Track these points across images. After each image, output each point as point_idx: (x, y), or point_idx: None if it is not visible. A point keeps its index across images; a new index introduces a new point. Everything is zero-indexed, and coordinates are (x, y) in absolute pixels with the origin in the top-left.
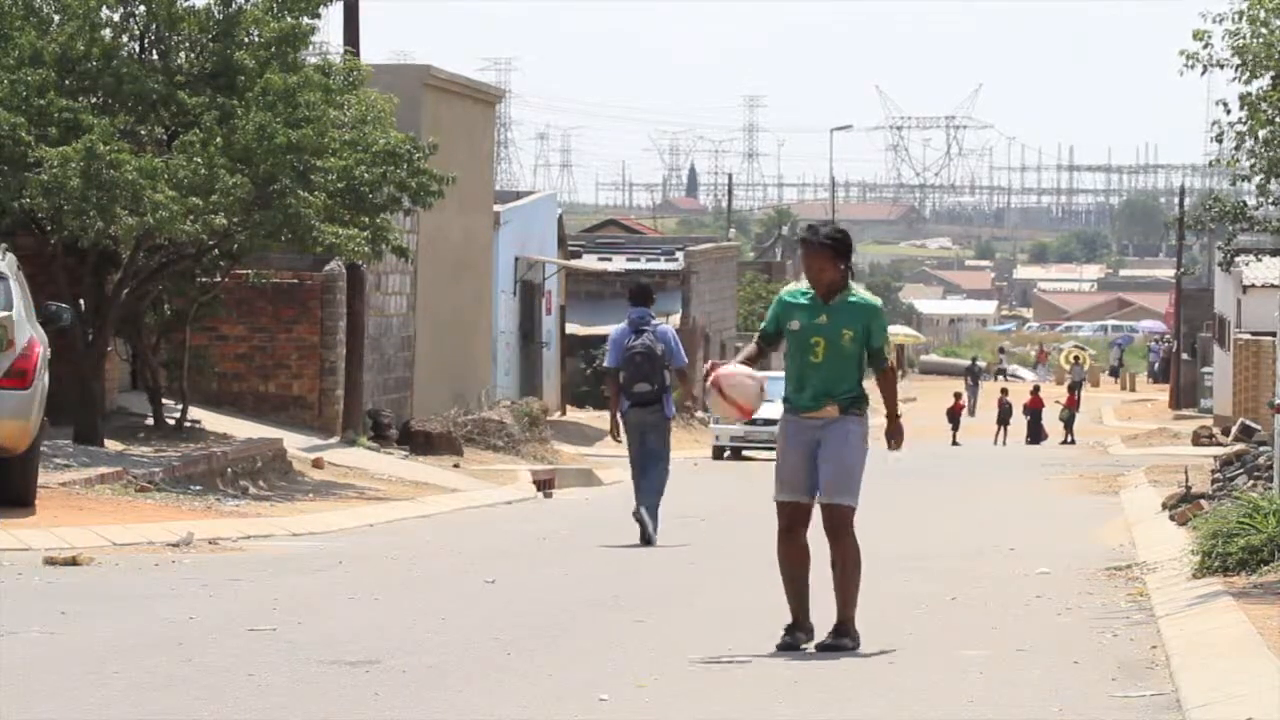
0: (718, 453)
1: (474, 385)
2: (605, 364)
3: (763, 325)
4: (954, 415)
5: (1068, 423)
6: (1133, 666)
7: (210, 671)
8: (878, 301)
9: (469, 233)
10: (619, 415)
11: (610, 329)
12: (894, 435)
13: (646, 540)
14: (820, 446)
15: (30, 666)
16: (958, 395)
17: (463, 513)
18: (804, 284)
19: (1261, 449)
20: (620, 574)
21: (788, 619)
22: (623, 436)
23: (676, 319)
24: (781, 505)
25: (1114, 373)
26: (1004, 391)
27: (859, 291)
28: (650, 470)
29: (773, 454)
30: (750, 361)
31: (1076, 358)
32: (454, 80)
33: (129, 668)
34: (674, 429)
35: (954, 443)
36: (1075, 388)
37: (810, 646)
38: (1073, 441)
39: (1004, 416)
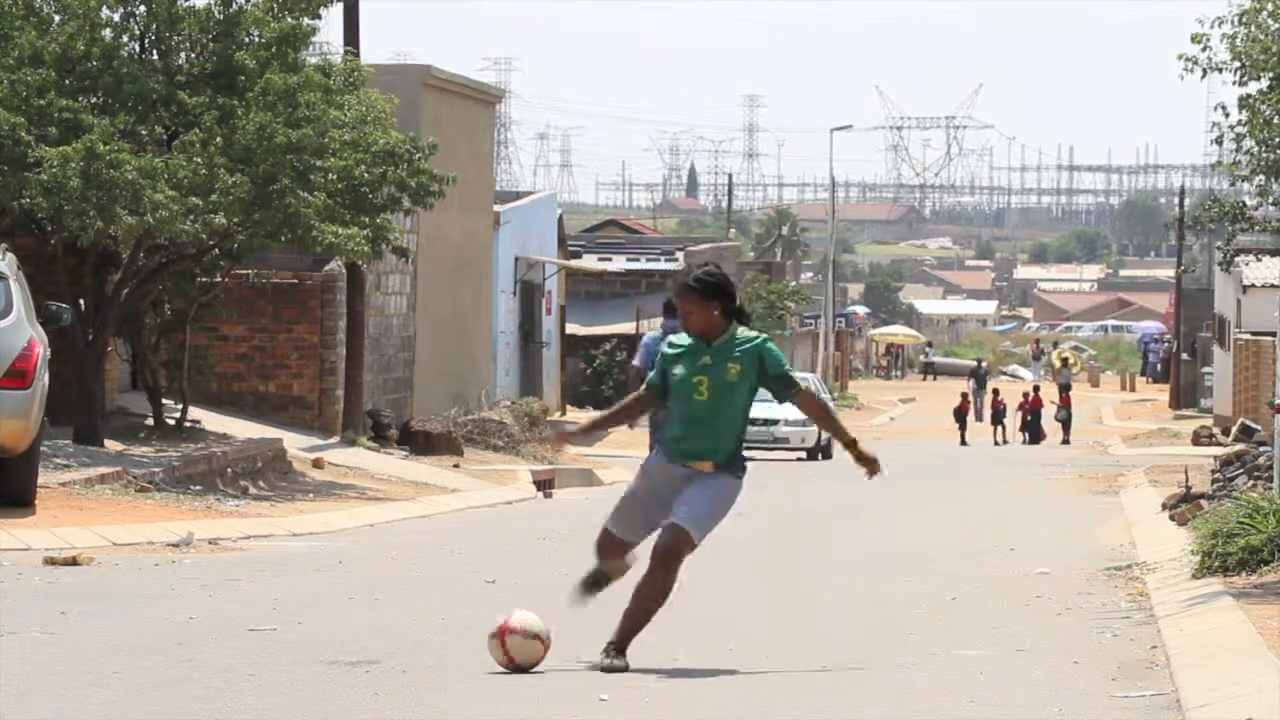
0: None
1: (474, 385)
2: (634, 363)
3: (649, 378)
4: (960, 415)
5: (1064, 423)
6: (1133, 666)
7: (210, 671)
8: (763, 336)
9: (469, 233)
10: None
11: (609, 329)
12: (866, 462)
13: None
14: (686, 487)
15: (30, 666)
16: (964, 395)
17: (463, 513)
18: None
19: (1261, 449)
20: None
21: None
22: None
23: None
24: (608, 533)
25: (1156, 376)
26: (996, 393)
27: (743, 332)
28: None
29: (766, 453)
30: (630, 410)
31: (1065, 359)
32: (454, 80)
33: (129, 668)
34: None
35: (962, 442)
36: (1065, 389)
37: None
38: (1067, 441)
39: (998, 417)
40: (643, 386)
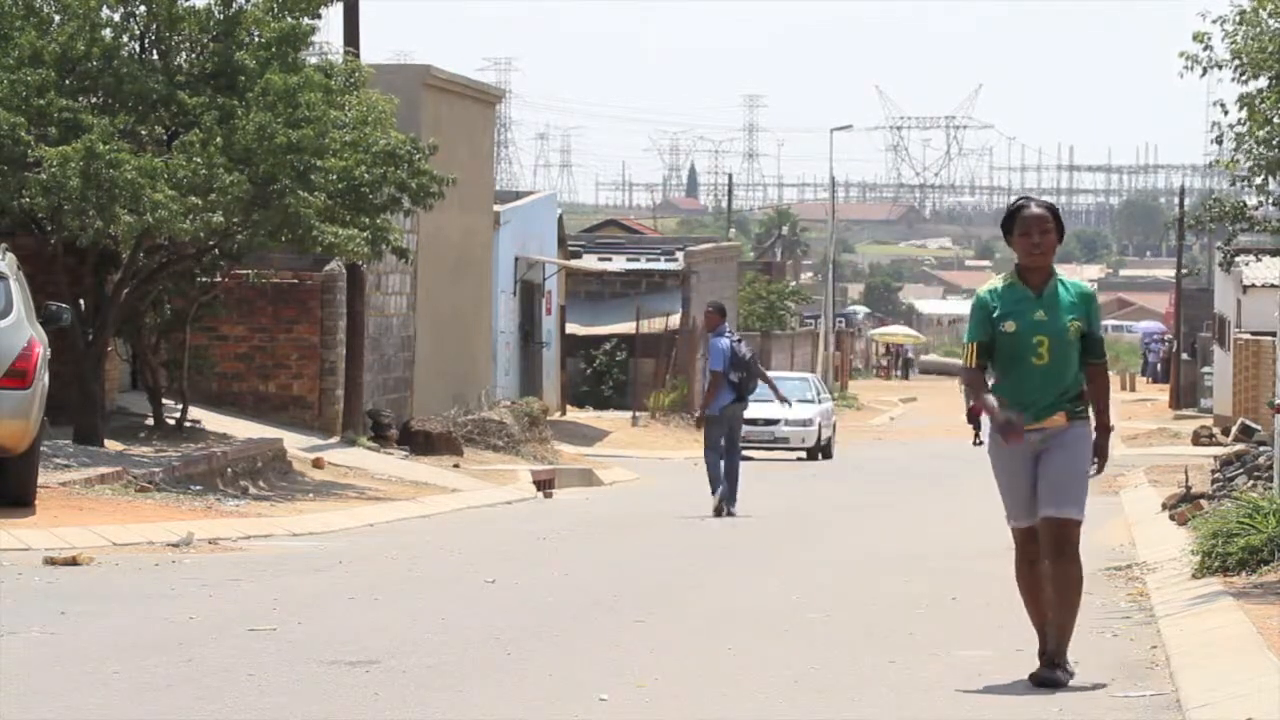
0: None
1: (474, 385)
2: (714, 368)
3: (972, 338)
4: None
5: None
6: (1133, 666)
7: (210, 671)
8: (1088, 285)
9: (469, 233)
10: (717, 409)
11: (609, 329)
12: (1102, 454)
13: (729, 513)
14: (1044, 455)
15: (30, 666)
16: None
17: (463, 513)
18: (998, 280)
19: (1261, 449)
20: (620, 574)
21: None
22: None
23: (676, 319)
24: (1018, 532)
25: (1156, 376)
26: None
27: (1061, 273)
28: (732, 460)
29: (772, 453)
30: (983, 385)
31: None
32: (454, 80)
33: (129, 668)
34: (677, 429)
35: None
36: None
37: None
38: None
39: None
40: (973, 356)
